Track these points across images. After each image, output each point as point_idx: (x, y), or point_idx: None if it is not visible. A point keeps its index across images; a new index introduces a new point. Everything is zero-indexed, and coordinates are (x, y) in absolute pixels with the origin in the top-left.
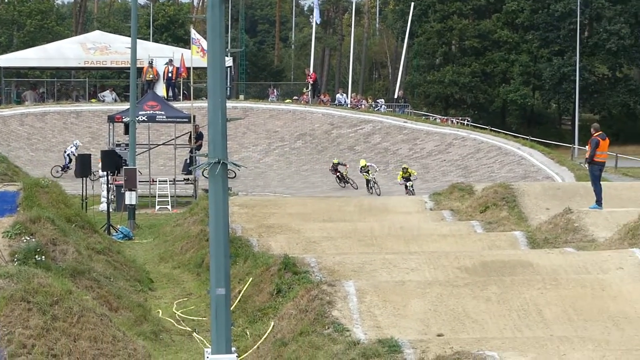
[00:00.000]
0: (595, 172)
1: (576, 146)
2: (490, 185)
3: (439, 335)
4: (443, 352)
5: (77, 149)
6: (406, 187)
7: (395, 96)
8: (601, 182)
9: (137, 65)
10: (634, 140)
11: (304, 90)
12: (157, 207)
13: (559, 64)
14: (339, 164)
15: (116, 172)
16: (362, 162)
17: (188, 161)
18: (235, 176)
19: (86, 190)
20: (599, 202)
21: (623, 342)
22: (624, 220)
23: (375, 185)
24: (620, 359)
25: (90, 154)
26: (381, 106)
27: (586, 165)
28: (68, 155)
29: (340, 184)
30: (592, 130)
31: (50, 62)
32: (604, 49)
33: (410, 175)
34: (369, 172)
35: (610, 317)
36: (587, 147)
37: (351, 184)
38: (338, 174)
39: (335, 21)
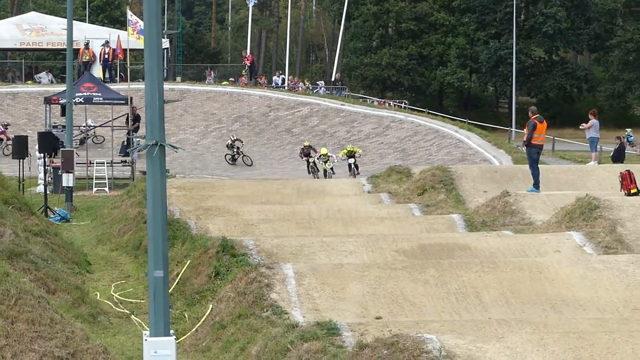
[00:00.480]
0: (533, 155)
1: (513, 129)
2: (428, 168)
3: (377, 318)
4: (381, 334)
5: (6, 128)
6: (350, 165)
7: (333, 79)
8: (539, 165)
9: (74, 47)
10: (570, 123)
11: (243, 72)
12: (95, 189)
13: (495, 47)
14: (310, 147)
15: (53, 154)
16: (324, 151)
17: (125, 143)
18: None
19: (23, 172)
20: (536, 185)
21: (561, 324)
22: (562, 204)
23: (331, 175)
24: (558, 341)
25: (27, 136)
26: (321, 88)
27: (524, 148)
28: None
29: (310, 174)
30: (529, 113)
31: None
32: (541, 32)
33: (354, 153)
34: (327, 161)
35: (548, 300)
36: (524, 130)
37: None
38: (308, 159)
39: (272, 3)
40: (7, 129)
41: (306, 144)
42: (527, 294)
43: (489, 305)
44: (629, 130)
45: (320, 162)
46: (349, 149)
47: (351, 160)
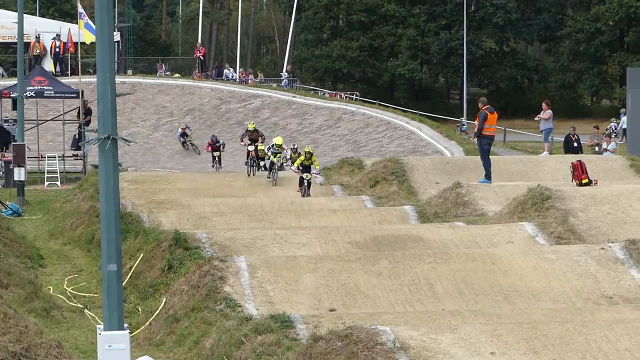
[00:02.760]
0: (484, 146)
1: (463, 120)
2: (379, 160)
3: (331, 310)
4: (335, 327)
5: None
6: (301, 180)
7: (284, 70)
8: (490, 156)
9: (24, 40)
10: (522, 114)
11: (196, 66)
12: (47, 183)
13: (446, 38)
14: (257, 131)
15: (4, 148)
16: (278, 141)
17: (77, 137)
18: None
19: None
20: (488, 176)
21: (514, 315)
22: (513, 194)
23: (276, 172)
24: (511, 332)
25: None
26: (283, 80)
27: (475, 139)
28: None
29: (249, 167)
30: (480, 104)
31: None
32: (491, 23)
33: (312, 164)
34: (278, 155)
35: (501, 291)
36: (475, 121)
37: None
38: (251, 147)
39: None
40: None
41: (251, 127)
42: (480, 285)
43: (442, 297)
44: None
45: (270, 153)
46: (307, 153)
47: (306, 176)
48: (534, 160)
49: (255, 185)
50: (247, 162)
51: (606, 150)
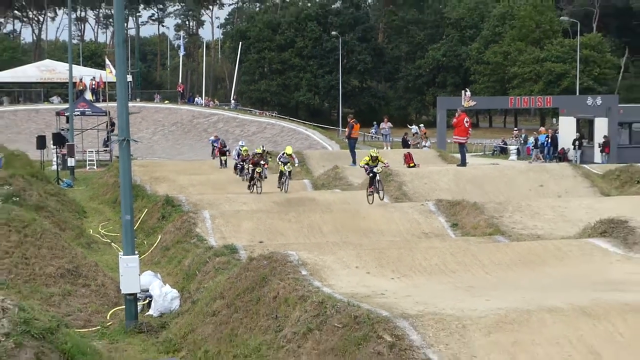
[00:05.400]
0: (352, 144)
1: (340, 128)
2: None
3: (260, 242)
4: (263, 252)
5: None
6: (374, 176)
7: (231, 99)
8: (355, 150)
9: (73, 80)
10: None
11: (178, 96)
12: (87, 167)
13: (329, 79)
14: (265, 153)
15: (61, 146)
16: (289, 150)
17: (106, 139)
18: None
19: (43, 157)
20: (354, 162)
21: (369, 244)
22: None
23: (287, 182)
24: (368, 254)
25: (45, 135)
26: (233, 104)
27: (346, 140)
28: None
29: (250, 185)
30: (349, 118)
31: (19, 79)
32: (356, 70)
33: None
34: (288, 164)
35: (362, 230)
36: (346, 129)
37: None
38: (254, 167)
39: (194, 53)
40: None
41: (259, 150)
42: (350, 227)
43: (327, 234)
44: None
45: (280, 162)
46: (372, 156)
47: (288, 167)
48: (381, 152)
49: (214, 168)
50: (248, 177)
51: (425, 146)
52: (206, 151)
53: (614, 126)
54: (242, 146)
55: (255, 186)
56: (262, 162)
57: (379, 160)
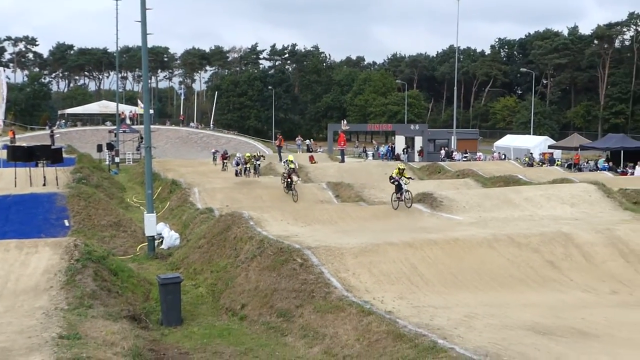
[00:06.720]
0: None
1: (272, 141)
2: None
3: (226, 206)
4: (229, 211)
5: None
6: (399, 185)
7: (211, 124)
8: (282, 154)
9: (119, 112)
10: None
11: (181, 122)
12: (127, 162)
13: (267, 113)
14: (294, 168)
15: (112, 150)
16: (291, 157)
17: (137, 146)
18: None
19: (100, 157)
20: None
21: (294, 209)
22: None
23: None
24: (291, 214)
25: (102, 144)
26: (213, 128)
27: (277, 148)
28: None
29: (287, 189)
30: (278, 134)
31: (86, 111)
32: (282, 108)
33: (403, 176)
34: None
35: (285, 199)
36: (276, 141)
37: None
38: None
39: (190, 98)
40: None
41: (292, 165)
42: (277, 196)
43: (267, 201)
44: (304, 140)
45: (287, 167)
46: (400, 169)
47: (404, 183)
48: (295, 155)
49: (204, 163)
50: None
51: (320, 151)
52: (198, 154)
53: (425, 141)
54: (245, 155)
55: (255, 174)
56: (257, 162)
57: (403, 175)
